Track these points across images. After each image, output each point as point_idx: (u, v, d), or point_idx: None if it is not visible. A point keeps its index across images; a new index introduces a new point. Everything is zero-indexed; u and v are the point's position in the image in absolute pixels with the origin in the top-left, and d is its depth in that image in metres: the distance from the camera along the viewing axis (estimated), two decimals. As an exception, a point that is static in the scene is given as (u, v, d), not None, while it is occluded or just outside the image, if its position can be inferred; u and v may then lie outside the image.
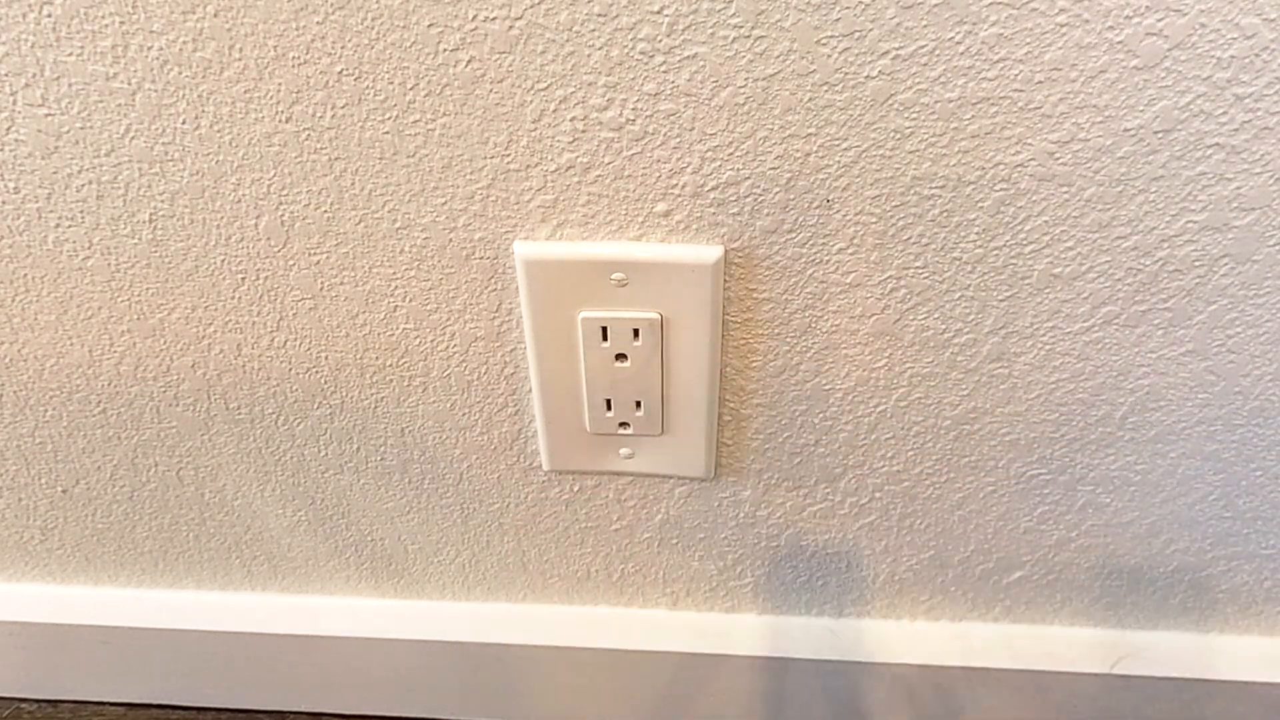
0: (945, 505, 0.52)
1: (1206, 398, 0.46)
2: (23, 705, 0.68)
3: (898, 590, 0.57)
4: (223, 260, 0.45)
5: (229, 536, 0.58)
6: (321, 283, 0.46)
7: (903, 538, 0.54)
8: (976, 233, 0.41)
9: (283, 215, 0.43)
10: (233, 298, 0.46)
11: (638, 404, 0.47)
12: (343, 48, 0.38)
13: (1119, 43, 0.36)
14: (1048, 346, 0.45)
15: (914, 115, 0.38)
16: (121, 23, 0.38)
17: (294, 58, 0.38)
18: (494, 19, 0.37)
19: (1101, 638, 0.57)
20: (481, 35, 0.37)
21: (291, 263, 0.45)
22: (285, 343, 0.48)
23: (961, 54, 0.36)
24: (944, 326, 0.45)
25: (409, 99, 0.39)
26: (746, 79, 0.37)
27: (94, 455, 0.55)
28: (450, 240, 0.43)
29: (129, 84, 0.39)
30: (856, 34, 0.36)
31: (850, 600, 0.57)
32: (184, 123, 0.40)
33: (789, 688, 0.60)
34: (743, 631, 0.59)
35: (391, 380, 0.49)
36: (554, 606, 0.60)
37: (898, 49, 0.36)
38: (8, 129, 0.41)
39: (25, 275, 0.47)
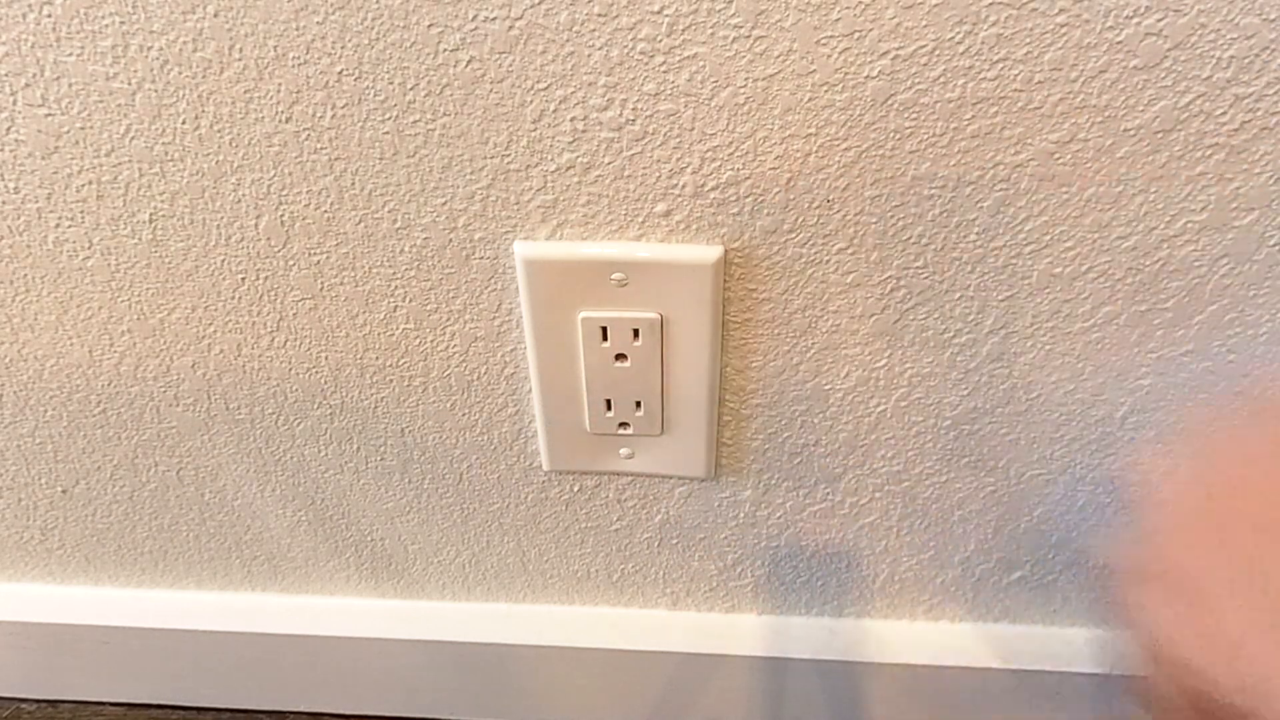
0: (945, 505, 0.52)
1: (1206, 398, 0.46)
2: (23, 705, 0.68)
3: (898, 590, 0.57)
4: (223, 260, 0.45)
5: (229, 536, 0.58)
6: (321, 283, 0.46)
7: (903, 538, 0.54)
8: (976, 233, 0.41)
9: (283, 215, 0.43)
10: (233, 298, 0.46)
11: (638, 404, 0.47)
12: (343, 48, 0.38)
13: (1119, 43, 0.36)
14: (1048, 346, 0.45)
15: (914, 115, 0.38)
16: (121, 23, 0.38)
17: (294, 58, 0.38)
18: (494, 19, 0.37)
19: (1101, 638, 0.57)
20: (481, 35, 0.37)
21: (291, 263, 0.45)
22: (285, 343, 0.48)
23: (961, 54, 0.36)
24: (944, 326, 0.45)
25: (409, 99, 0.39)
26: (746, 79, 0.37)
27: (94, 455, 0.55)
28: (450, 240, 0.43)
29: (129, 84, 0.39)
30: (856, 34, 0.36)
31: (850, 600, 0.57)
32: (184, 123, 0.40)
33: (789, 688, 0.60)
34: (743, 631, 0.59)
35: (391, 380, 0.49)
36: (554, 606, 0.60)
37: (898, 49, 0.36)
38: (8, 129, 0.41)
39: (25, 275, 0.47)
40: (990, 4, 0.35)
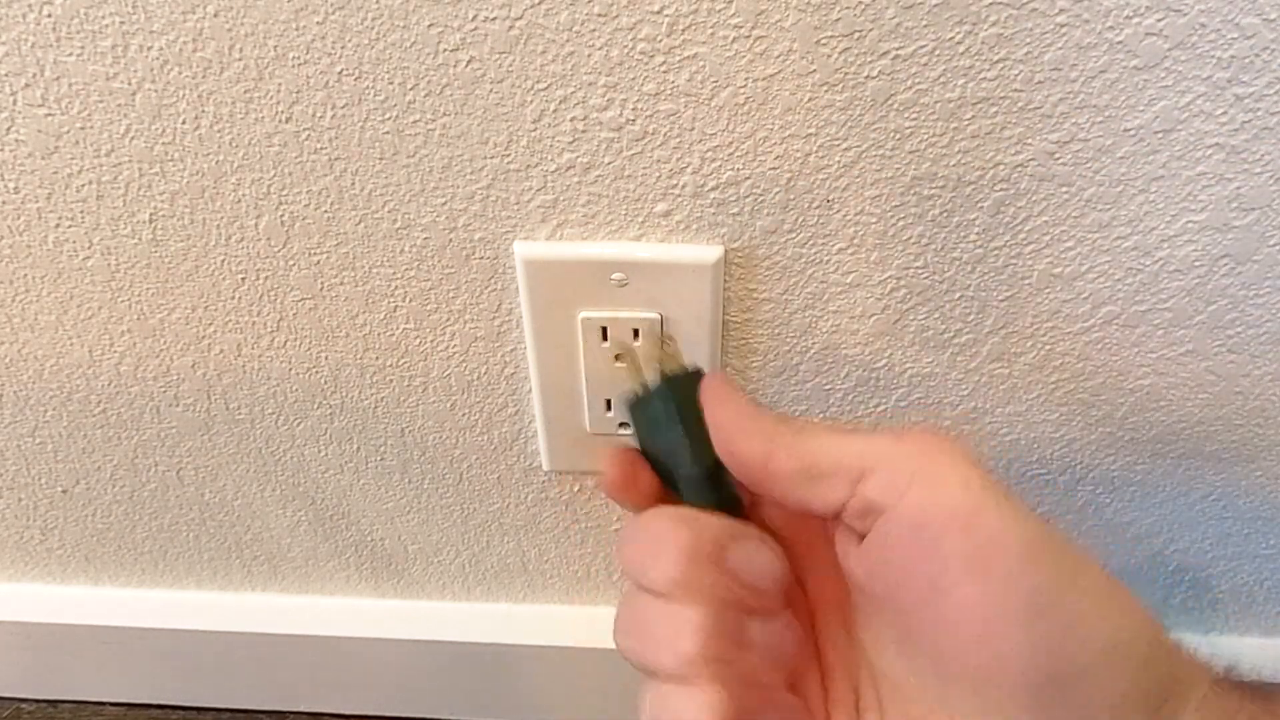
0: (945, 505, 0.52)
1: (1206, 398, 0.46)
2: (23, 705, 0.68)
3: (898, 590, 0.56)
4: (223, 260, 0.45)
5: (229, 536, 0.58)
6: (321, 283, 0.46)
7: (903, 538, 0.54)
8: (976, 233, 0.41)
9: (283, 215, 0.43)
10: (233, 298, 0.46)
11: (638, 404, 0.47)
12: (343, 48, 0.38)
13: (1119, 43, 0.36)
14: (1048, 346, 0.45)
15: (914, 115, 0.38)
16: (121, 23, 0.38)
17: (294, 58, 0.38)
18: (494, 19, 0.37)
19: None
20: (481, 35, 0.37)
21: (291, 263, 0.45)
22: (285, 343, 0.48)
23: (961, 54, 0.36)
24: (944, 326, 0.45)
25: (409, 99, 0.39)
26: (746, 79, 0.37)
27: (94, 455, 0.55)
28: (450, 240, 0.43)
29: (129, 84, 0.39)
30: (856, 34, 0.36)
31: (850, 600, 0.57)
32: (184, 123, 0.40)
33: (789, 688, 0.59)
34: (743, 631, 0.59)
35: (391, 380, 0.49)
36: (554, 606, 0.60)
37: (898, 49, 0.36)
38: (8, 129, 0.41)
39: (25, 275, 0.47)
40: (990, 4, 0.35)
